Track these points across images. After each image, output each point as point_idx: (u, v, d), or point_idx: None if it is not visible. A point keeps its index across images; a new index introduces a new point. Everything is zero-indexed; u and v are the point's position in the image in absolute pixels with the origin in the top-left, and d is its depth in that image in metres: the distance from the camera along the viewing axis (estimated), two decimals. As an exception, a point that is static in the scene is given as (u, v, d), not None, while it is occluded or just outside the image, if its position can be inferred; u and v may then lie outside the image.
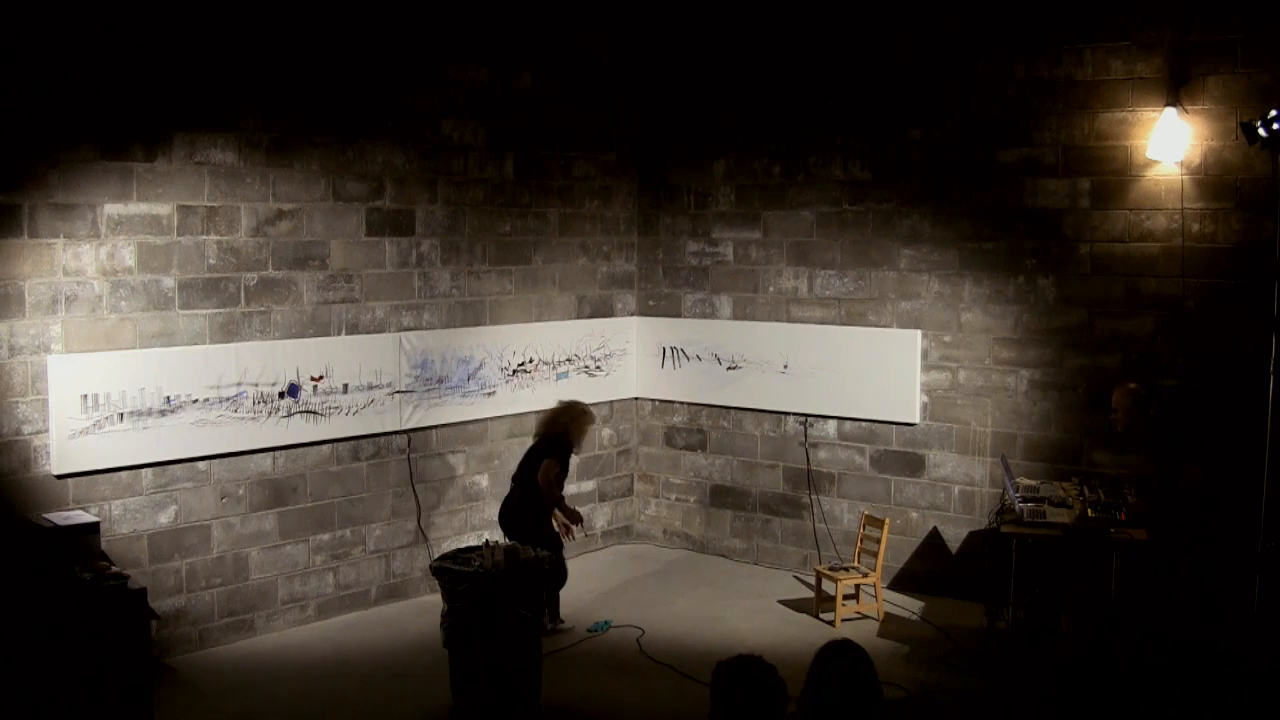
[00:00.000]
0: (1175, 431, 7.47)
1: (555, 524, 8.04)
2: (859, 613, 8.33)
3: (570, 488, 9.82)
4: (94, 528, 6.60)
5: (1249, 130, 6.24)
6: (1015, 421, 8.52)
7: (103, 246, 7.02)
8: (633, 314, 10.29)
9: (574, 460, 8.64)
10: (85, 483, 6.99)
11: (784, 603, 8.67)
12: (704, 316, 9.96)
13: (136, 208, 7.15)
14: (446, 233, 8.76)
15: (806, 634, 7.87)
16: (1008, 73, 8.40)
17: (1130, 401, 7.50)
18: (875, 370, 9.02)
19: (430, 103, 8.59)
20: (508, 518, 8.02)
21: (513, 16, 9.12)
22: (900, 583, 8.95)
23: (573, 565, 9.52)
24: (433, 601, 7.06)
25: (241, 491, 7.73)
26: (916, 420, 8.89)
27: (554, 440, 8.08)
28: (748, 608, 8.54)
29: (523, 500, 7.99)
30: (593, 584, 9.10)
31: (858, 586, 8.38)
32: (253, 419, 7.69)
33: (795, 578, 9.31)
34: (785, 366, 9.46)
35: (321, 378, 8.04)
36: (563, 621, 8.05)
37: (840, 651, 3.93)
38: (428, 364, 8.65)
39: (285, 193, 7.82)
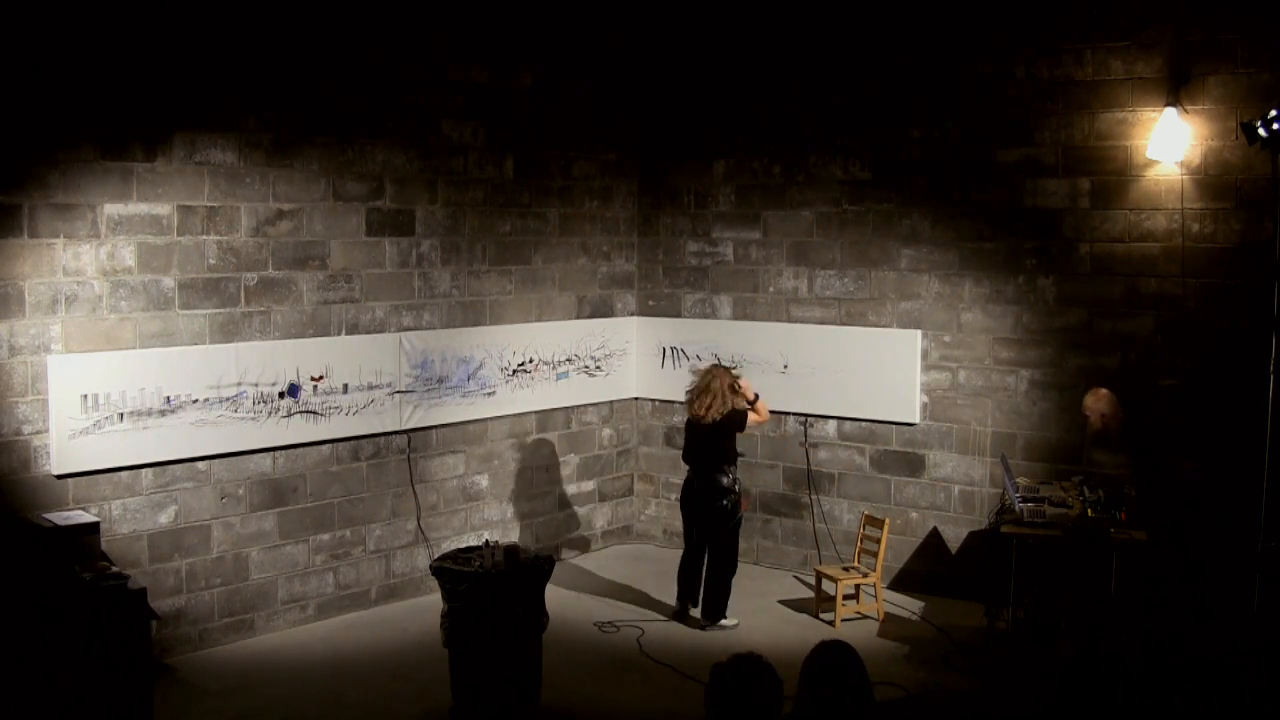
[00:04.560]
0: (1174, 432, 7.47)
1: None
2: (859, 613, 8.33)
3: (570, 487, 9.86)
4: (94, 528, 6.60)
5: (1249, 130, 6.24)
6: (1015, 421, 8.52)
7: (103, 246, 7.02)
8: (633, 314, 10.29)
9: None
10: (85, 483, 6.99)
11: (784, 603, 8.67)
12: (704, 316, 9.96)
13: (136, 208, 7.15)
14: (446, 233, 8.76)
15: (806, 634, 7.86)
16: (1008, 73, 8.40)
17: (1104, 406, 7.56)
18: (875, 370, 9.02)
19: (430, 103, 8.60)
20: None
21: (513, 16, 9.13)
22: (900, 583, 8.95)
23: (573, 565, 9.58)
24: (433, 601, 7.06)
25: (241, 491, 7.73)
26: (916, 420, 8.89)
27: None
28: (748, 608, 8.51)
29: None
30: (593, 584, 9.10)
31: (858, 586, 8.38)
32: (253, 419, 7.69)
33: (795, 578, 9.31)
34: (785, 366, 9.46)
35: (321, 378, 8.04)
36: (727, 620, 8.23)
37: (830, 652, 3.93)
38: (428, 364, 8.65)
39: (285, 193, 7.83)
